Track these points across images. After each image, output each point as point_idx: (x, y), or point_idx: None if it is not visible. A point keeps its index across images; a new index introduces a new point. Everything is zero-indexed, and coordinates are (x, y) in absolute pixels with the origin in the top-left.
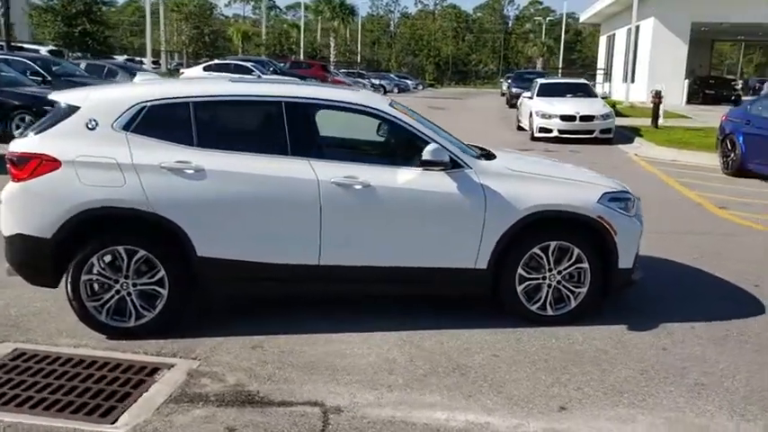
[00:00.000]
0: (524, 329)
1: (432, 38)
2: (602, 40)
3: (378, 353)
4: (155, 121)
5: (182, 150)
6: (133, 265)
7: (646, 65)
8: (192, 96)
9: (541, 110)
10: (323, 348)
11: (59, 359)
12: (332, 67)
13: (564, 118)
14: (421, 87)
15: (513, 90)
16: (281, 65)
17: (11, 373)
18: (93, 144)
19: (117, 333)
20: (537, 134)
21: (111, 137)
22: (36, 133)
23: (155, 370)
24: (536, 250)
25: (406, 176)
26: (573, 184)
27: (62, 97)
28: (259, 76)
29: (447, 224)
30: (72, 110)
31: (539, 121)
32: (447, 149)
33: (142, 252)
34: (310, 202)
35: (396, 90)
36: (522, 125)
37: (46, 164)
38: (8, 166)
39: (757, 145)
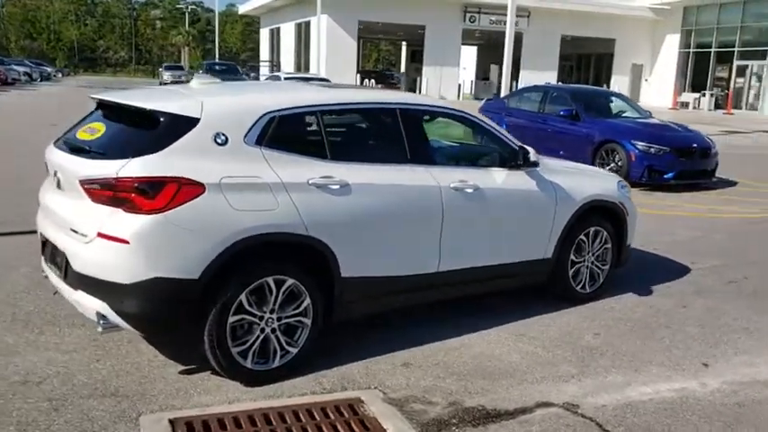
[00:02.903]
0: (577, 309)
1: (49, 21)
2: (265, 33)
3: (512, 349)
4: (285, 133)
5: (319, 164)
6: (281, 297)
7: (321, 57)
8: (319, 105)
9: None
10: (467, 354)
11: (237, 419)
12: None
13: None
14: (61, 75)
15: None
16: None
17: None
18: (231, 162)
19: (260, 378)
20: None
21: (246, 153)
22: (152, 152)
23: (350, 407)
24: (581, 236)
25: (500, 177)
26: (599, 175)
27: (167, 106)
28: None
29: (531, 219)
30: (190, 122)
31: None
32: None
33: (291, 281)
34: (436, 210)
35: (39, 78)
36: None
37: (186, 189)
38: (117, 195)
39: (516, 134)
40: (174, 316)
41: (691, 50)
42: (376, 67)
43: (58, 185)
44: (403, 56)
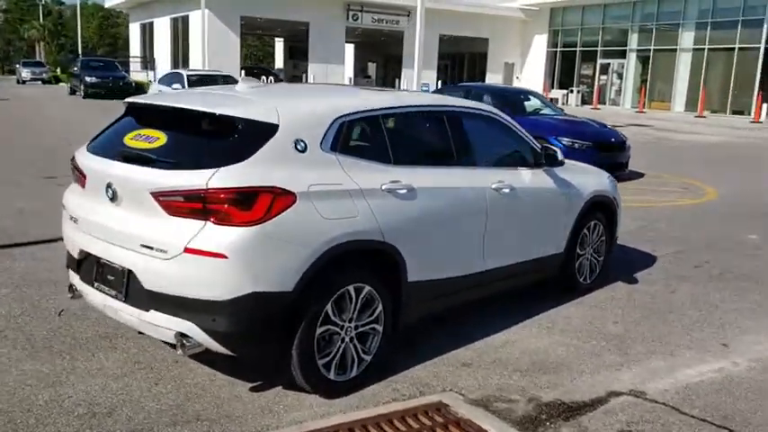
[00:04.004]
0: (582, 300)
1: None
2: (135, 28)
3: (553, 342)
4: (354, 138)
5: (385, 169)
6: (359, 305)
7: (201, 54)
8: (382, 108)
9: None
10: (515, 349)
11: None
12: None
13: None
14: None
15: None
16: None
17: None
18: (312, 169)
19: (340, 389)
20: None
21: (324, 159)
22: (237, 160)
23: (437, 411)
24: (585, 230)
25: (528, 176)
26: (594, 171)
27: (243, 112)
28: None
29: (552, 216)
30: (269, 128)
31: None
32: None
33: (367, 288)
34: (482, 210)
35: None
36: None
37: (280, 199)
38: (207, 207)
39: None
40: (268, 332)
41: (558, 50)
42: (245, 63)
43: (113, 198)
44: (279, 52)
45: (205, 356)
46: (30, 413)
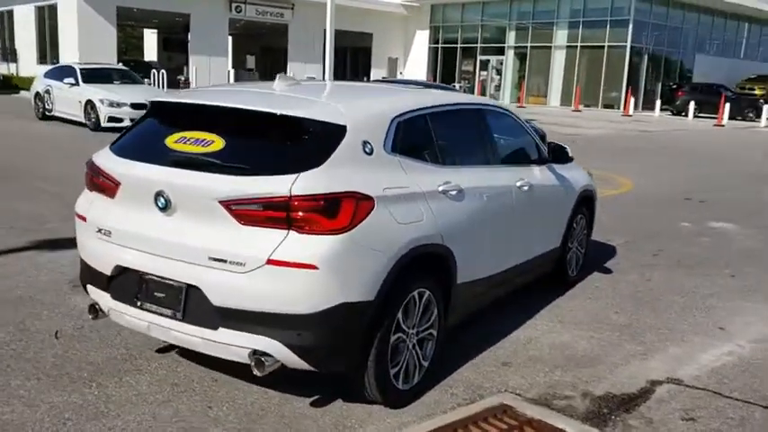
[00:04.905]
0: (572, 292)
1: None
2: None
3: (573, 336)
4: (409, 139)
5: (436, 170)
6: (421, 310)
7: (73, 46)
8: (427, 107)
9: (107, 98)
10: (543, 345)
11: None
12: None
13: (135, 106)
14: None
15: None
16: None
17: None
18: (380, 172)
19: (405, 398)
20: (105, 124)
21: (389, 162)
22: (314, 165)
23: (504, 412)
24: (573, 224)
25: (538, 173)
26: (576, 166)
27: (311, 113)
28: None
29: (556, 211)
30: (338, 130)
31: (107, 111)
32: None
33: (427, 293)
34: (511, 208)
35: None
36: (56, 114)
37: (362, 204)
38: (291, 215)
39: None
40: (352, 343)
41: (439, 46)
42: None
43: (165, 207)
44: (151, 44)
45: (239, 372)
46: None
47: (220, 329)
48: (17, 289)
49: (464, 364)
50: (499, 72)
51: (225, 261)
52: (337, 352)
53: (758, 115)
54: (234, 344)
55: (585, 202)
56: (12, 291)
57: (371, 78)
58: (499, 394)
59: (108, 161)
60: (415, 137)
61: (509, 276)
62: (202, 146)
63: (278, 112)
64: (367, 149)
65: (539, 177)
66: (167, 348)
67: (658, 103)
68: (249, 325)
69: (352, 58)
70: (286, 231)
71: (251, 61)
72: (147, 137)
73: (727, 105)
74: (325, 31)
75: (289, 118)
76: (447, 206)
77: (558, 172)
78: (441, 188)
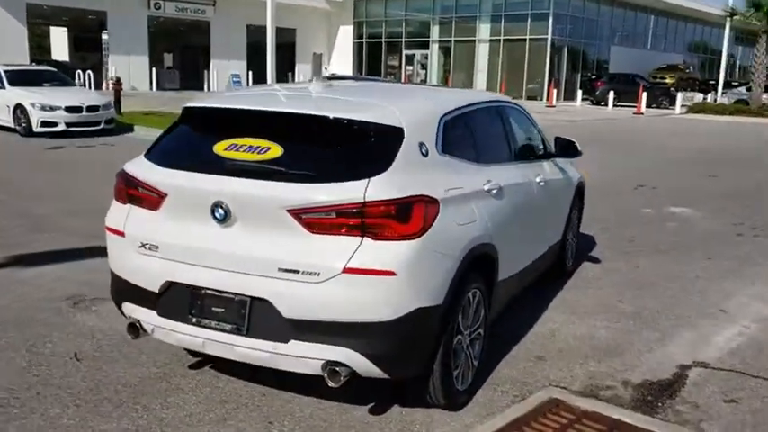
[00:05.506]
0: (571, 282)
1: None
2: None
3: (590, 327)
4: (452, 138)
5: (477, 169)
6: (473, 310)
7: None
8: (466, 105)
9: (39, 101)
10: (566, 337)
11: None
12: None
13: (70, 109)
14: None
15: None
16: None
17: None
18: (437, 174)
19: (462, 399)
20: (38, 129)
21: (442, 162)
22: (381, 169)
23: (557, 406)
24: (572, 216)
25: (548, 168)
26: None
27: (372, 116)
28: None
29: (561, 205)
30: (397, 133)
31: (40, 115)
32: None
33: (478, 292)
34: (534, 203)
35: None
36: None
37: (431, 208)
38: (366, 221)
39: None
40: (425, 348)
41: (364, 41)
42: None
43: (224, 218)
44: (60, 43)
45: (283, 384)
46: None
47: (291, 342)
48: (11, 309)
49: (500, 360)
50: (424, 66)
51: (297, 272)
52: (411, 358)
53: (672, 103)
54: (306, 356)
55: (579, 193)
56: (6, 311)
57: (296, 74)
58: (546, 389)
59: (148, 171)
60: (458, 136)
61: (529, 271)
62: (258, 153)
63: (343, 116)
64: (423, 151)
65: (549, 172)
66: (199, 364)
67: (579, 93)
68: (323, 336)
69: (277, 55)
70: (360, 239)
71: (168, 59)
72: (188, 144)
73: (644, 94)
74: (248, 26)
75: (349, 122)
76: (491, 205)
77: (561, 166)
78: (486, 187)
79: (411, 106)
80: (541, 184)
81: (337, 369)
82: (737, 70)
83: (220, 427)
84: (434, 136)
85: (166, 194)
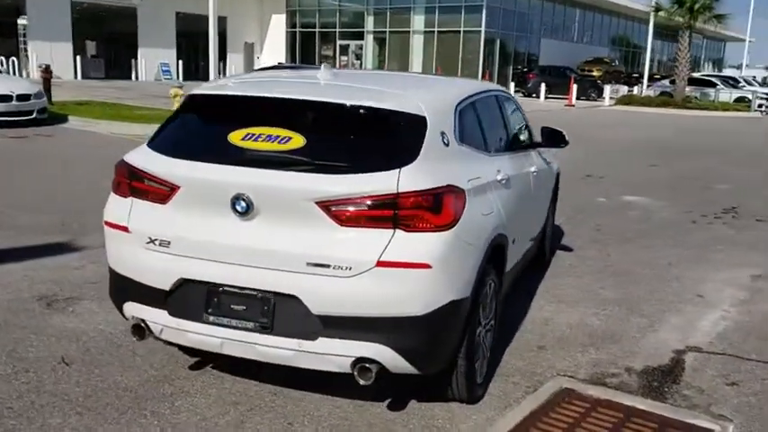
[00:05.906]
0: (550, 271)
1: None
2: None
3: (581, 315)
4: (465, 127)
5: (489, 158)
6: (489, 300)
7: None
8: (473, 95)
9: None
10: (561, 326)
11: None
12: None
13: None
14: None
15: None
16: None
17: None
18: (459, 163)
19: (480, 392)
20: None
21: (461, 152)
22: (410, 159)
23: (569, 395)
24: (552, 204)
25: (535, 157)
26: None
27: (396, 105)
28: None
29: (546, 193)
30: (421, 122)
31: None
32: None
33: (493, 283)
34: (530, 192)
35: None
36: None
37: (459, 198)
38: (399, 213)
39: None
40: (454, 342)
41: (297, 30)
42: None
43: (246, 211)
44: None
45: (291, 382)
46: None
47: (320, 339)
48: None
49: (504, 351)
50: (359, 57)
51: (328, 266)
52: (441, 353)
53: (600, 95)
54: (336, 353)
55: (556, 183)
56: None
57: (227, 64)
58: (555, 379)
59: (155, 162)
60: (470, 125)
61: (523, 261)
62: (279, 143)
63: (367, 104)
64: (445, 141)
65: (536, 161)
66: (199, 365)
67: (512, 85)
68: (354, 332)
69: (206, 43)
70: (392, 231)
71: (91, 47)
72: (198, 134)
73: (575, 86)
74: (177, 14)
75: (374, 110)
76: (503, 195)
77: (544, 155)
78: (498, 177)
79: (430, 96)
80: (534, 173)
81: (368, 366)
82: (656, 64)
83: (238, 431)
84: (453, 125)
85: (179, 187)
